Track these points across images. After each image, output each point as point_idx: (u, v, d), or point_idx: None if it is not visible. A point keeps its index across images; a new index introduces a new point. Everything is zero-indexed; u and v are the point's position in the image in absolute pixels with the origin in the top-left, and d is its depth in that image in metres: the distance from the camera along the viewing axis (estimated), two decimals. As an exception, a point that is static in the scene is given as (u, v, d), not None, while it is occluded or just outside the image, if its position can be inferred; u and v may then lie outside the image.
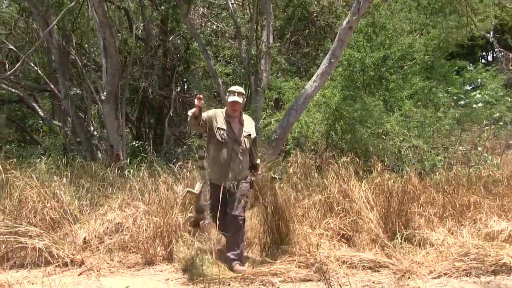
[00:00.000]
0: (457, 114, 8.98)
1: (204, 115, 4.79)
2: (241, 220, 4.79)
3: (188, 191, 4.82)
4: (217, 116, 4.90)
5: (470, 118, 9.04)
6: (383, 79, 9.64)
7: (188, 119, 4.70)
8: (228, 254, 4.74)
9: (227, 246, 4.85)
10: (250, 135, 4.99)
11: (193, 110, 4.60)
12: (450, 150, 8.67)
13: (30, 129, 13.33)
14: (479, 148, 8.68)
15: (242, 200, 4.84)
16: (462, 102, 9.05)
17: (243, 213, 4.85)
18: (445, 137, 8.90)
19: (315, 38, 13.06)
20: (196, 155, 4.71)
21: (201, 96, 4.58)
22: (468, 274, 4.57)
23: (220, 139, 4.81)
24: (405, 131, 8.40)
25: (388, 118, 8.56)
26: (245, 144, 4.93)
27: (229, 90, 4.98)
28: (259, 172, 5.13)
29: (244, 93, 4.95)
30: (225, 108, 5.02)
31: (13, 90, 10.28)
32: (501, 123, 9.33)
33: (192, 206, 5.15)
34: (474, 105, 9.03)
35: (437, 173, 7.02)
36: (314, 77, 7.83)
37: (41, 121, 12.81)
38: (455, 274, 4.58)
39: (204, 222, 4.55)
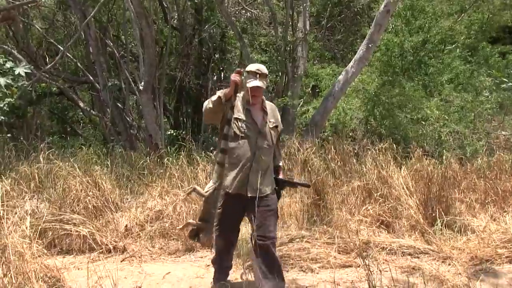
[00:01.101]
0: (499, 98, 8.71)
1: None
2: (273, 240, 3.68)
3: (194, 189, 3.59)
4: (238, 99, 3.73)
5: (513, 102, 8.74)
6: (422, 64, 9.43)
7: (211, 104, 3.57)
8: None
9: (262, 275, 3.64)
10: (277, 126, 3.85)
11: (225, 90, 3.57)
12: (492, 135, 8.45)
13: (70, 121, 13.65)
14: (524, 133, 8.44)
15: (273, 216, 3.72)
16: (505, 86, 8.75)
17: (275, 232, 3.74)
18: (487, 121, 8.67)
19: (351, 23, 12.88)
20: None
21: (241, 70, 3.56)
22: (512, 262, 4.44)
23: (238, 132, 3.65)
24: (445, 116, 8.23)
25: (428, 103, 8.40)
26: (272, 138, 3.78)
27: (247, 69, 3.73)
28: (281, 177, 3.97)
29: (267, 73, 3.80)
30: (241, 92, 3.80)
31: (53, 82, 10.51)
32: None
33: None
34: (518, 89, 8.73)
35: (478, 159, 6.86)
36: (351, 63, 7.75)
37: (81, 113, 13.10)
38: (498, 261, 4.50)
39: (206, 234, 3.48)
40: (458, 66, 9.61)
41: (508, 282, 4.06)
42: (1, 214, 3.07)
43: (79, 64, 10.97)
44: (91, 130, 13.09)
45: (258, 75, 3.65)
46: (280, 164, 4.05)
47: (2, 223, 3.01)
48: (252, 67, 3.72)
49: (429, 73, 9.41)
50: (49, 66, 9.36)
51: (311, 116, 8.28)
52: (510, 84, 8.54)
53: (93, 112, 11.11)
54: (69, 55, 10.94)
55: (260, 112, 3.78)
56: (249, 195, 3.63)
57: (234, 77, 3.48)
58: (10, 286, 2.79)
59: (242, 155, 3.65)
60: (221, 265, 4.03)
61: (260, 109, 3.79)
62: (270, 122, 3.80)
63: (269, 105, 3.90)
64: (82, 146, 7.53)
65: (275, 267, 3.64)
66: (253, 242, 3.64)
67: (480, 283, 3.84)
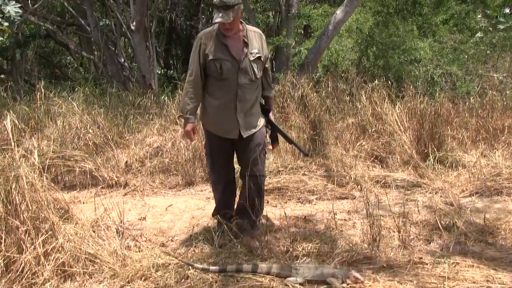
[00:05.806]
0: (494, 40, 8.67)
1: (195, 57, 3.40)
2: (262, 179, 3.64)
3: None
4: (208, 40, 3.39)
5: (508, 43, 8.65)
6: (416, 4, 9.34)
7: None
8: (240, 221, 3.58)
9: (239, 211, 3.68)
10: (260, 57, 3.47)
11: (185, 123, 3.54)
12: (484, 77, 8.50)
13: (58, 65, 13.42)
14: (516, 75, 8.48)
15: (261, 153, 3.58)
16: (502, 27, 8.62)
17: (263, 170, 3.69)
18: (481, 63, 8.69)
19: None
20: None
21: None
22: (500, 193, 4.65)
23: (217, 73, 3.36)
24: (439, 57, 8.24)
25: (422, 44, 8.39)
26: (255, 72, 3.44)
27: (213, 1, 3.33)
28: (271, 113, 3.79)
29: (236, 2, 3.26)
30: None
31: (42, 24, 10.20)
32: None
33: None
34: (514, 29, 8.61)
35: (471, 98, 6.97)
36: (345, 2, 7.67)
37: (69, 57, 12.85)
38: (487, 193, 4.67)
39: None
40: (453, 6, 9.52)
41: (495, 211, 4.23)
42: (12, 146, 3.12)
43: (66, 4, 10.66)
44: (81, 74, 12.91)
45: (220, 8, 3.25)
46: (270, 94, 3.80)
47: (14, 154, 3.07)
48: None
49: (423, 13, 9.34)
50: (36, 5, 9.12)
51: (305, 55, 8.26)
52: (508, 24, 8.44)
53: (84, 54, 10.89)
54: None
55: (240, 44, 3.42)
56: (239, 136, 3.49)
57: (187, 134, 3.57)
58: (27, 213, 2.87)
59: (223, 97, 3.43)
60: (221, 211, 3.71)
61: (240, 41, 3.42)
62: (251, 53, 3.43)
63: (251, 32, 3.51)
64: (77, 87, 7.48)
65: (259, 206, 3.64)
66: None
67: (470, 212, 3.99)
